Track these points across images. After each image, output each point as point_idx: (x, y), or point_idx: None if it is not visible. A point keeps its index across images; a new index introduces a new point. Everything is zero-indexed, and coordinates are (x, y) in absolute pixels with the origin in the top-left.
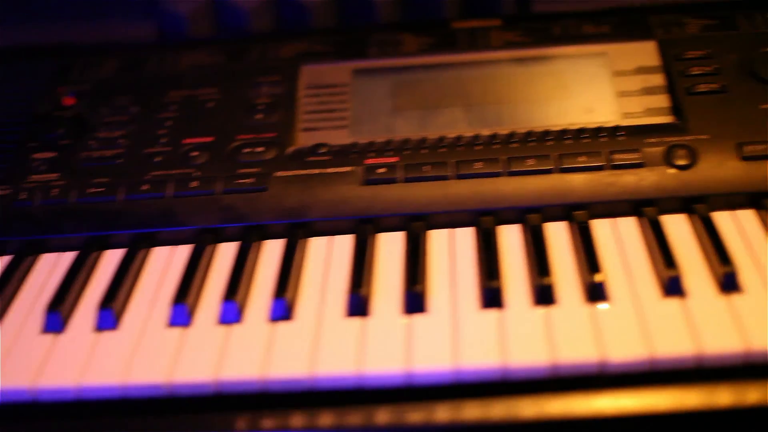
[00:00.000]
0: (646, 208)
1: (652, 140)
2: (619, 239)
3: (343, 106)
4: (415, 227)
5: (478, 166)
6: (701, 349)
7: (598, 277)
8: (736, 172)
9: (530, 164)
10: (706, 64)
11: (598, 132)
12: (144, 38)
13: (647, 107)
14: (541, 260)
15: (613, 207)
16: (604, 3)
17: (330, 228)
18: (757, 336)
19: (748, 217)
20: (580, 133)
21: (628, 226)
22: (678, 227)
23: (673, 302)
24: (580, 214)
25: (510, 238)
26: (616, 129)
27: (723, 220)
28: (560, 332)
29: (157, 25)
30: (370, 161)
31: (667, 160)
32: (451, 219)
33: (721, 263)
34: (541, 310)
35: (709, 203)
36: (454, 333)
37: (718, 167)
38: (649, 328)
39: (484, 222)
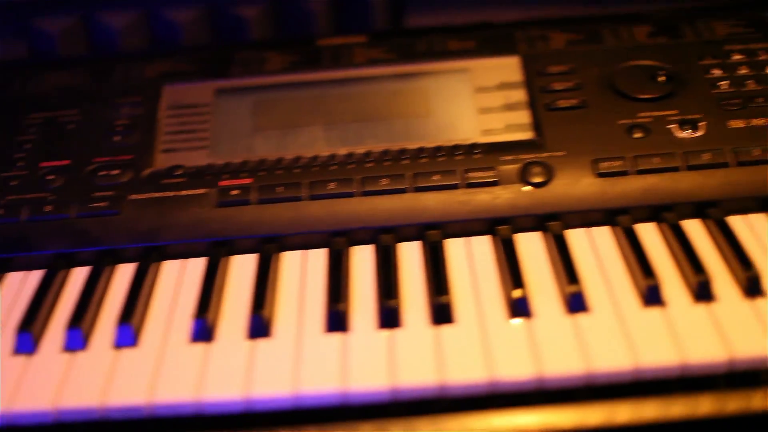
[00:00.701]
0: (500, 227)
1: (508, 158)
2: (471, 259)
3: (203, 126)
4: (268, 249)
5: (332, 187)
6: (542, 372)
7: (444, 299)
8: (592, 188)
9: (384, 184)
10: (568, 79)
11: (454, 150)
12: (13, 57)
13: (507, 124)
14: (387, 282)
15: (468, 226)
16: (477, 17)
17: (184, 251)
18: (600, 357)
19: (602, 234)
20: (437, 151)
21: (482, 246)
22: (531, 246)
23: (519, 323)
24: (432, 234)
25: (362, 260)
26: (472, 147)
27: (577, 237)
28: (403, 355)
29: (26, 44)
30: (224, 183)
31: (523, 178)
32: (305, 240)
33: (570, 282)
34: (385, 333)
35: (563, 220)
36: (296, 358)
37: (574, 184)
38: (492, 350)
39: (337, 243)
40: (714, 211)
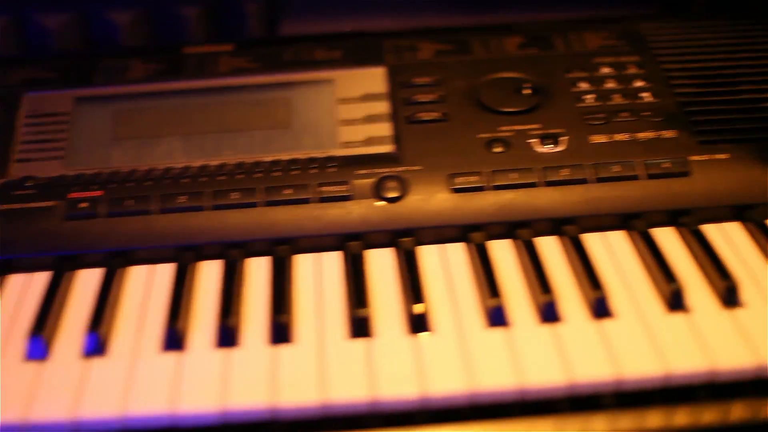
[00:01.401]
0: (351, 243)
1: (363, 171)
2: (318, 275)
3: (61, 136)
4: (114, 264)
5: (182, 200)
6: (376, 394)
7: (283, 318)
8: (446, 204)
9: (234, 198)
10: (432, 91)
11: (309, 163)
12: None
13: (368, 136)
14: (228, 299)
15: (320, 241)
16: (354, 25)
17: (31, 265)
18: (437, 380)
19: (455, 250)
20: (291, 164)
21: (331, 262)
22: (381, 262)
23: (359, 343)
24: (281, 249)
25: (208, 275)
26: (327, 160)
27: (429, 254)
28: (236, 376)
29: None
30: (73, 195)
31: (377, 192)
32: (154, 255)
33: (414, 302)
34: (221, 353)
35: (417, 236)
36: (128, 377)
37: (428, 199)
38: (327, 372)
39: (185, 258)
40: (570, 228)
